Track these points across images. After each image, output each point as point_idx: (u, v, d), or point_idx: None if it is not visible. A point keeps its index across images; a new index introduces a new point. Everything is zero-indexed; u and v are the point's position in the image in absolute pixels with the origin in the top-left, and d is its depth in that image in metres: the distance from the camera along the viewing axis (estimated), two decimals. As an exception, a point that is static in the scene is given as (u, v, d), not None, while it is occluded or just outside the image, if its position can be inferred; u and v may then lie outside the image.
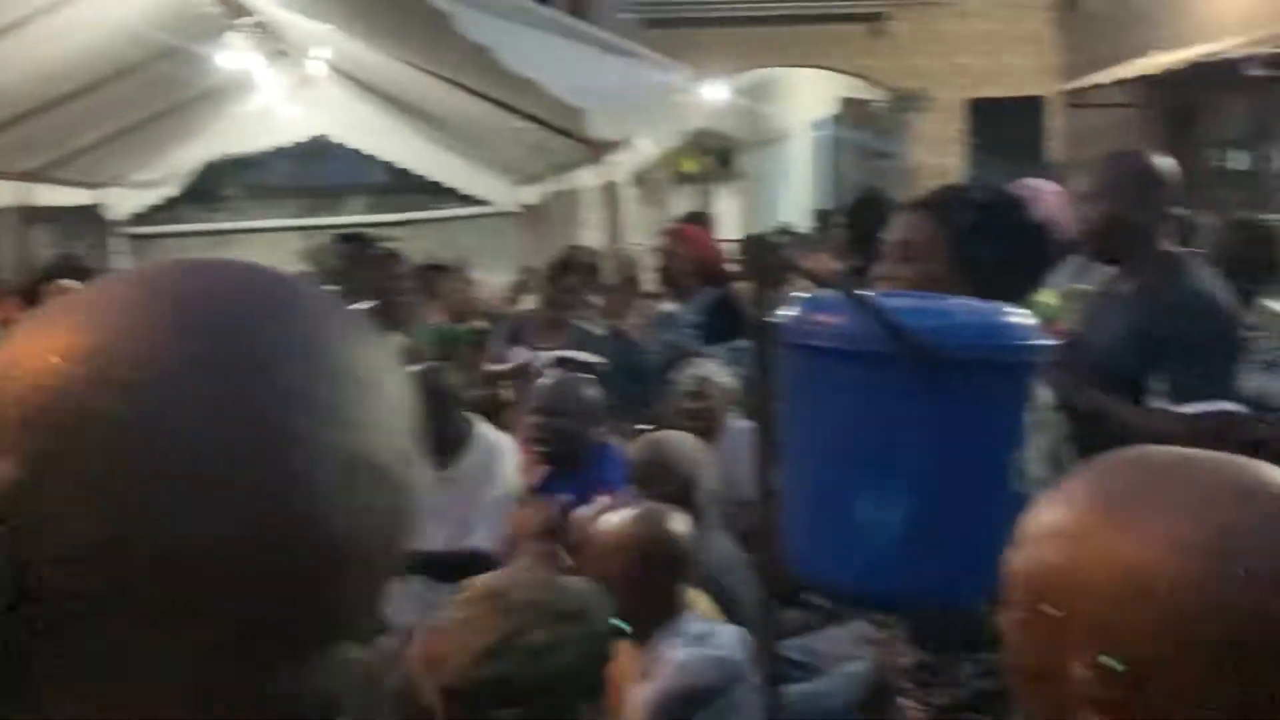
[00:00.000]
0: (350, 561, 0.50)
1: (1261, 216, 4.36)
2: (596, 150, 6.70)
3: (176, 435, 0.46)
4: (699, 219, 5.75)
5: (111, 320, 0.49)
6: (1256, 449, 2.38)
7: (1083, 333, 2.69)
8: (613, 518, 2.32)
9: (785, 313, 1.44)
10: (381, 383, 0.53)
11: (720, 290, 4.42)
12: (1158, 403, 2.43)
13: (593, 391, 3.41)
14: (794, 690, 2.39)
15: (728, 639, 2.19)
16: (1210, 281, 2.54)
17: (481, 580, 1.76)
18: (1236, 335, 2.51)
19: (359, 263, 5.33)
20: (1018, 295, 1.79)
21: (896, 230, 1.85)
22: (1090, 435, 2.52)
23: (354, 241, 5.58)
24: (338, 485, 0.49)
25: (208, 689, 0.48)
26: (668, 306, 4.59)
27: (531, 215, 10.07)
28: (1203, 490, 0.76)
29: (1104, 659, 0.75)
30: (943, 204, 1.81)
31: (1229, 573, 0.72)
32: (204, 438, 0.47)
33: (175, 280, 0.52)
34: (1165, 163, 2.68)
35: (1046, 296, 3.29)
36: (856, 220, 4.22)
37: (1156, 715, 0.74)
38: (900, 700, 1.84)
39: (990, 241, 1.74)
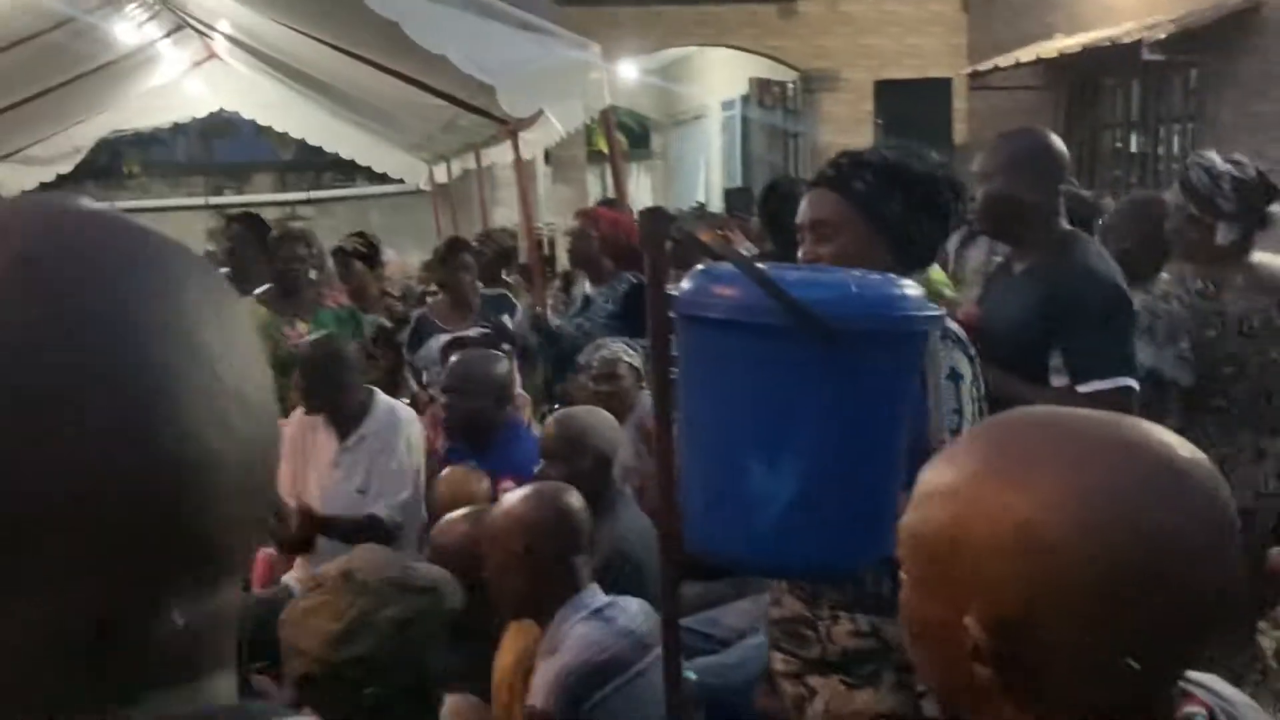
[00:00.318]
0: (222, 488, 0.49)
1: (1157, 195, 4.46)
2: (509, 128, 6.66)
3: (16, 363, 0.45)
4: (614, 204, 5.75)
5: None
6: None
7: (982, 311, 2.71)
8: (508, 497, 2.31)
9: (681, 285, 1.45)
10: (236, 318, 0.53)
11: (635, 277, 4.43)
12: (1057, 379, 2.44)
13: (501, 370, 3.39)
14: (699, 663, 2.42)
15: (631, 612, 2.19)
16: (1102, 258, 2.56)
17: (326, 568, 1.75)
18: (1129, 310, 2.51)
19: (250, 243, 5.22)
20: (933, 247, 1.87)
21: (806, 211, 1.86)
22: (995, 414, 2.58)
23: (245, 221, 5.44)
24: (198, 408, 0.48)
25: (84, 632, 0.47)
26: (587, 289, 4.58)
27: (443, 193, 9.95)
28: (1084, 446, 0.79)
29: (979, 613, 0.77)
30: (841, 175, 1.83)
31: (1107, 526, 0.75)
32: (46, 364, 0.46)
33: (12, 219, 0.51)
34: (1057, 142, 2.70)
35: (936, 275, 3.34)
36: (767, 208, 4.25)
37: (1041, 666, 0.77)
38: (772, 652, 1.88)
39: (894, 199, 1.78)
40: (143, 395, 0.48)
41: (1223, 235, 2.86)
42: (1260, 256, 2.94)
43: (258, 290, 4.74)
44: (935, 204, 1.83)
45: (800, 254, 1.86)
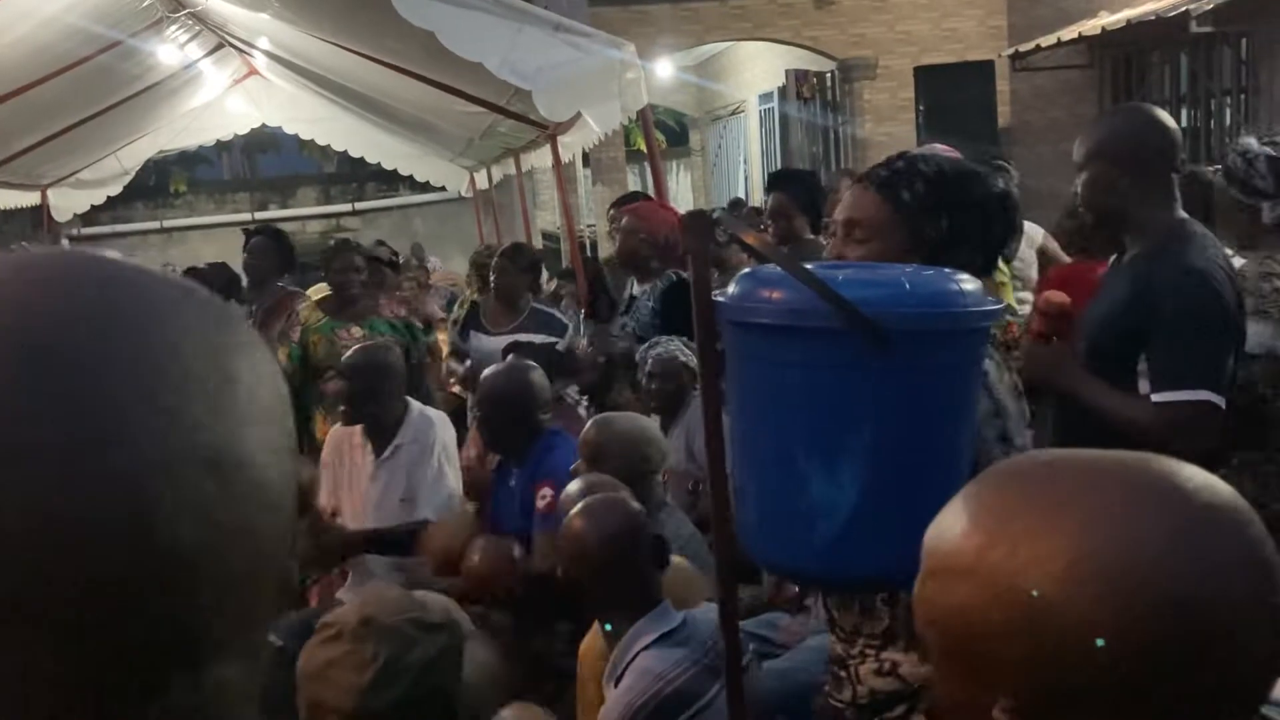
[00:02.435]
0: (204, 569, 0.46)
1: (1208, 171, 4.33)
2: (547, 132, 6.66)
3: None
4: (636, 199, 5.74)
5: None
6: (1224, 439, 2.27)
7: (1089, 304, 2.53)
8: (585, 501, 2.23)
9: (728, 289, 1.42)
10: (238, 378, 0.49)
11: (676, 274, 4.40)
12: (1144, 385, 2.26)
13: (537, 379, 3.35)
14: (765, 666, 2.38)
15: (702, 634, 2.07)
16: (1207, 254, 2.32)
17: (337, 615, 1.69)
18: (1222, 318, 2.26)
19: (267, 255, 5.31)
20: (978, 272, 1.73)
21: (845, 207, 1.75)
22: (1067, 416, 2.46)
23: (263, 234, 5.55)
24: (175, 484, 0.45)
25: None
26: (634, 289, 4.56)
27: (485, 200, 9.99)
28: (1095, 501, 0.71)
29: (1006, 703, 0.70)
30: (892, 179, 1.71)
31: (1126, 596, 0.67)
32: (11, 436, 0.43)
33: None
34: (1165, 119, 2.45)
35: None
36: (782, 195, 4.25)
37: None
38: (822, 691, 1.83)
39: (941, 218, 1.67)
40: (107, 474, 0.44)
41: (1268, 214, 2.77)
42: None
43: (317, 296, 4.84)
44: (981, 233, 1.70)
45: (826, 250, 1.78)
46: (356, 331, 4.55)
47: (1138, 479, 0.72)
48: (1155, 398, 2.23)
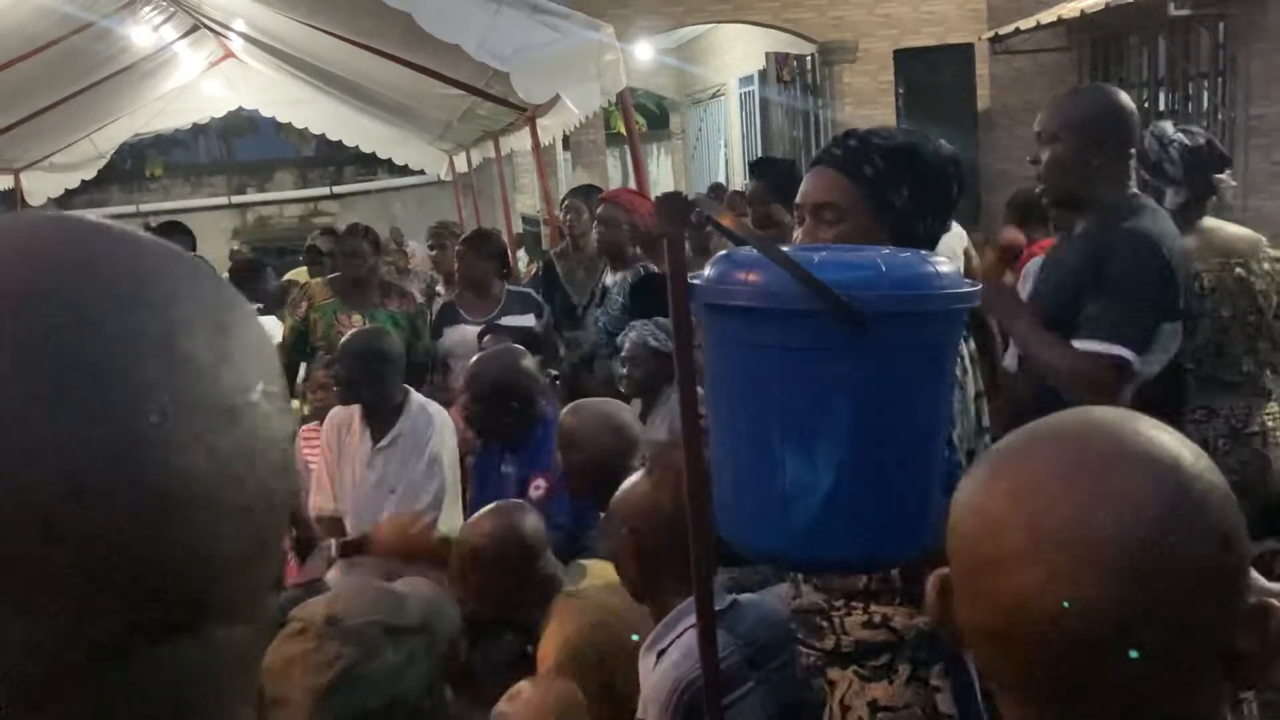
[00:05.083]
0: (205, 520, 0.44)
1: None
2: (526, 114, 6.62)
3: None
4: (591, 192, 5.71)
5: None
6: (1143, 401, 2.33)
7: (1038, 278, 2.63)
8: (629, 478, 2.14)
9: (704, 273, 1.41)
10: (213, 315, 0.48)
11: (644, 268, 4.39)
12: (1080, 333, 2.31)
13: (524, 366, 3.31)
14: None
15: (751, 620, 1.97)
16: (1158, 222, 2.39)
17: (308, 607, 1.60)
18: (1159, 282, 2.31)
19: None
20: (935, 239, 1.76)
21: (808, 191, 1.77)
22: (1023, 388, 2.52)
23: (169, 230, 5.55)
24: (176, 428, 0.44)
25: (39, 680, 0.42)
26: (608, 279, 4.54)
27: (465, 183, 9.94)
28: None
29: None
30: (849, 157, 1.73)
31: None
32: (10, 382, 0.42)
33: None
34: (1125, 101, 2.52)
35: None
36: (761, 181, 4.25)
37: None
38: (794, 646, 1.83)
39: (902, 188, 1.70)
40: (114, 408, 0.43)
41: (1170, 200, 2.90)
42: (1209, 221, 3.02)
43: (331, 275, 4.85)
44: (941, 197, 1.74)
45: (796, 235, 1.78)
46: (357, 319, 4.53)
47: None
48: (1075, 344, 2.27)
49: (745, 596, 2.08)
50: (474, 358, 3.49)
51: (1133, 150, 2.49)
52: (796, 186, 1.82)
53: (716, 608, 1.96)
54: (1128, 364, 2.24)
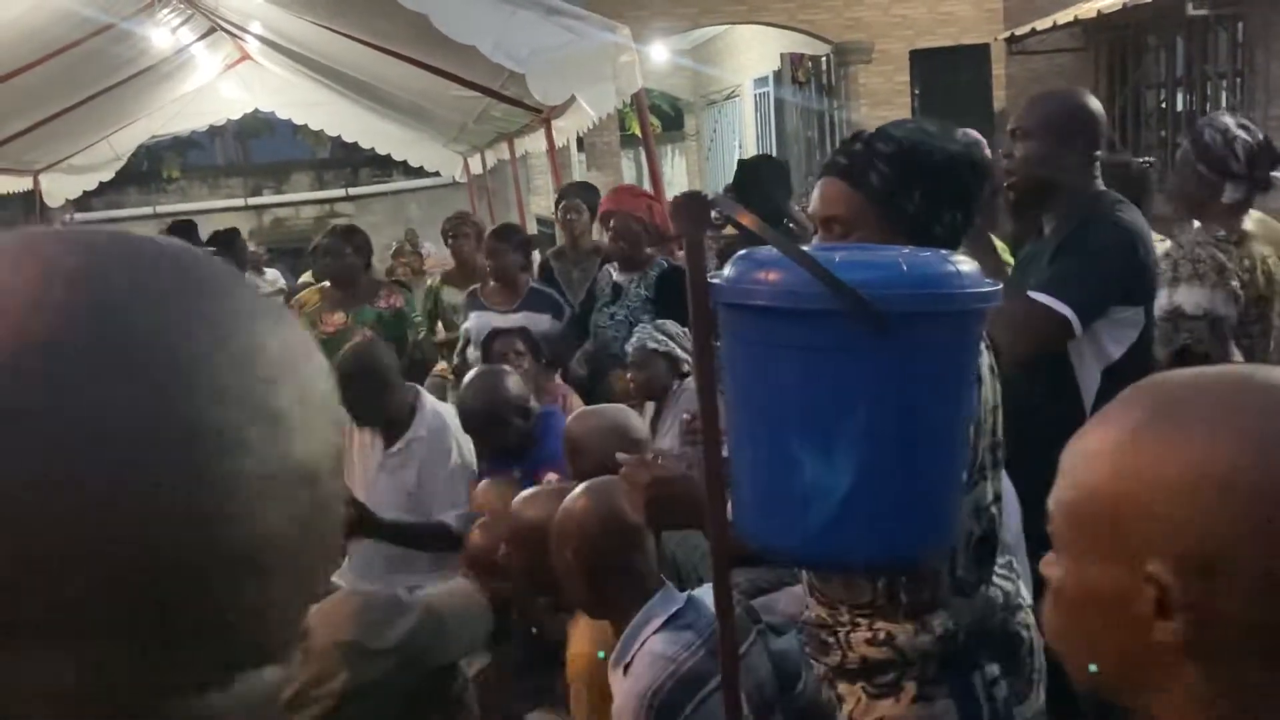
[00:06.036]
0: (268, 572, 0.44)
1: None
2: (541, 116, 6.62)
3: (61, 420, 0.40)
4: (585, 189, 5.70)
5: None
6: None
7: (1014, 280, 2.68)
8: (569, 497, 2.17)
9: (723, 272, 1.40)
10: (298, 370, 0.47)
11: (666, 261, 4.39)
12: (1087, 349, 2.47)
13: (507, 388, 3.27)
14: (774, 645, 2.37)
15: (709, 615, 1.98)
16: (1124, 214, 2.54)
17: None
18: (1117, 259, 2.47)
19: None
20: (957, 237, 1.70)
21: (817, 204, 1.73)
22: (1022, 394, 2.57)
23: (181, 229, 5.54)
24: (253, 484, 0.43)
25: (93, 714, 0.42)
26: (615, 277, 4.53)
27: (480, 184, 9.95)
28: (1237, 395, 0.76)
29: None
30: (855, 166, 1.68)
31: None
32: (90, 423, 0.41)
33: (57, 251, 0.45)
34: (1094, 104, 2.67)
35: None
36: (743, 188, 4.26)
37: (1232, 615, 0.72)
38: (807, 653, 1.83)
39: (913, 192, 1.64)
40: (197, 462, 0.42)
41: (1229, 194, 2.98)
42: (1255, 214, 3.11)
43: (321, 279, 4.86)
44: (958, 192, 1.67)
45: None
46: (339, 317, 4.52)
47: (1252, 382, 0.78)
48: (1029, 293, 2.43)
49: (693, 591, 2.13)
50: (463, 383, 3.45)
51: (1099, 151, 2.63)
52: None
53: (671, 609, 2.02)
54: (1068, 322, 2.40)
